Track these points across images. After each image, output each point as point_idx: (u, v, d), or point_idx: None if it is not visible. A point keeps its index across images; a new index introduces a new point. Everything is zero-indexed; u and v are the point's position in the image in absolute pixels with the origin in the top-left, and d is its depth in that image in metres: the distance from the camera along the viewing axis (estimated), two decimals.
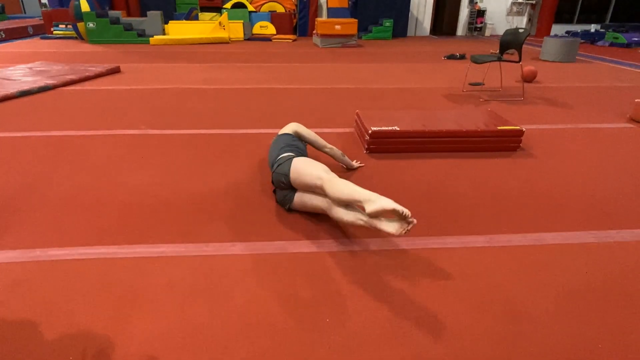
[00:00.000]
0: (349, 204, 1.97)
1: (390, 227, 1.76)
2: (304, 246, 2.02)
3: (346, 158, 2.84)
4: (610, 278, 1.82)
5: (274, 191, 2.42)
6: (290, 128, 2.71)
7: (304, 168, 2.13)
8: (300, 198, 2.21)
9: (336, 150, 2.79)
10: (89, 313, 1.58)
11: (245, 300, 1.66)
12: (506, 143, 3.27)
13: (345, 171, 2.85)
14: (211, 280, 1.77)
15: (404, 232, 1.74)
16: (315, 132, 2.81)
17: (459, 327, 1.54)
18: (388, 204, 1.73)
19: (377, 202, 1.77)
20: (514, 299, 1.68)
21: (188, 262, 1.88)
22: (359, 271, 1.84)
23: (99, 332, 1.49)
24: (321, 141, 2.75)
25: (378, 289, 1.73)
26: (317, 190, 2.08)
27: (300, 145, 2.54)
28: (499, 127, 3.23)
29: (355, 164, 2.92)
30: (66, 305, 1.61)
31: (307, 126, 2.86)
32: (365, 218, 1.89)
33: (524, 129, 3.26)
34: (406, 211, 1.71)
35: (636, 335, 1.51)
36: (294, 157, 2.25)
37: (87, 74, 5.75)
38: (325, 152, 2.78)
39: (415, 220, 1.75)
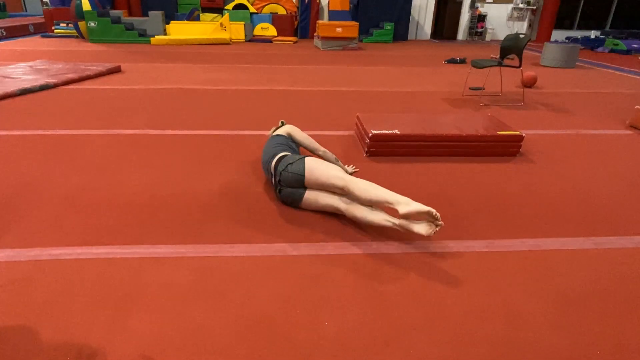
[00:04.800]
0: (373, 205, 2.06)
1: (420, 228, 1.90)
2: (303, 248, 2.02)
3: (340, 163, 2.80)
4: (609, 284, 1.82)
5: (279, 190, 2.37)
6: (284, 130, 2.73)
7: (323, 168, 2.20)
8: (314, 196, 2.25)
9: (330, 155, 2.74)
10: (87, 313, 1.57)
11: (244, 301, 1.66)
12: (506, 148, 3.28)
13: None
14: (210, 282, 1.76)
15: (432, 233, 1.87)
16: (316, 135, 2.81)
17: (458, 331, 1.54)
18: (422, 207, 1.87)
19: (410, 205, 1.89)
20: (513, 303, 1.68)
21: (187, 263, 1.88)
22: (358, 274, 1.84)
23: (97, 332, 1.48)
24: (315, 144, 2.73)
25: (377, 292, 1.73)
26: (336, 189, 2.16)
27: (294, 146, 2.58)
28: (499, 132, 3.24)
29: (349, 168, 2.90)
30: (64, 305, 1.61)
31: (307, 129, 2.86)
32: (393, 220, 2.00)
33: (523, 134, 3.26)
34: (437, 214, 1.85)
35: (634, 342, 1.51)
36: (304, 157, 2.29)
37: (87, 73, 5.75)
38: (319, 155, 2.72)
39: (443, 223, 1.89)
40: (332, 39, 9.82)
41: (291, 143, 2.61)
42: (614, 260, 2.00)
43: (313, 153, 2.75)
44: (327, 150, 2.75)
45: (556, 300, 1.71)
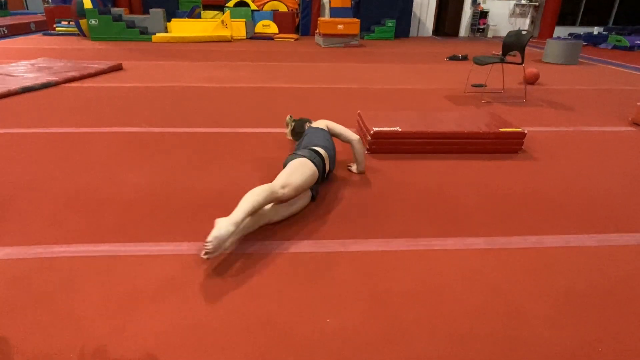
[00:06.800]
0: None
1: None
2: (305, 246, 2.02)
3: (363, 158, 2.78)
4: (610, 282, 1.81)
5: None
6: (324, 124, 2.82)
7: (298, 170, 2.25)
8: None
9: (359, 148, 2.71)
10: (89, 310, 1.57)
11: (246, 299, 1.66)
12: (508, 145, 3.27)
13: (350, 171, 2.86)
14: (212, 280, 1.76)
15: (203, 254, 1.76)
16: None
17: (458, 328, 1.54)
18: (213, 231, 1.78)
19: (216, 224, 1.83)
20: (514, 301, 1.68)
21: (188, 261, 1.88)
22: (360, 272, 1.84)
23: (98, 330, 1.49)
24: (348, 135, 2.74)
25: (379, 289, 1.73)
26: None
27: (330, 145, 2.63)
28: (500, 129, 3.22)
29: (353, 167, 2.88)
30: (66, 303, 1.61)
31: None
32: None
33: (526, 131, 3.25)
34: (207, 247, 1.74)
35: (636, 339, 1.50)
36: (308, 157, 2.33)
37: (89, 71, 5.75)
38: (353, 146, 2.71)
39: (203, 255, 1.76)
40: (334, 36, 9.80)
41: (330, 139, 2.70)
42: (616, 257, 1.99)
43: (347, 142, 2.77)
44: (358, 139, 2.73)
45: (558, 298, 1.71)
